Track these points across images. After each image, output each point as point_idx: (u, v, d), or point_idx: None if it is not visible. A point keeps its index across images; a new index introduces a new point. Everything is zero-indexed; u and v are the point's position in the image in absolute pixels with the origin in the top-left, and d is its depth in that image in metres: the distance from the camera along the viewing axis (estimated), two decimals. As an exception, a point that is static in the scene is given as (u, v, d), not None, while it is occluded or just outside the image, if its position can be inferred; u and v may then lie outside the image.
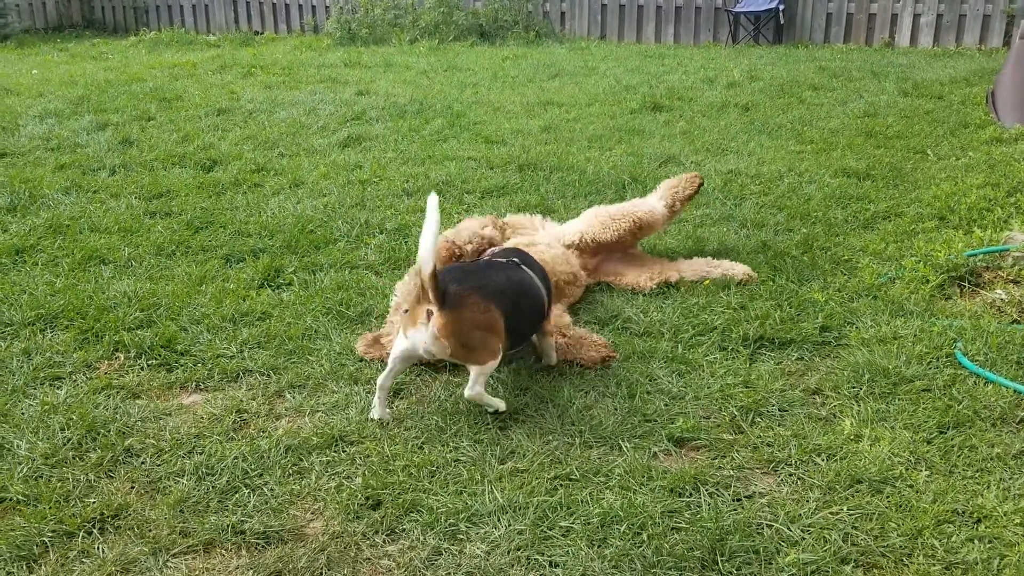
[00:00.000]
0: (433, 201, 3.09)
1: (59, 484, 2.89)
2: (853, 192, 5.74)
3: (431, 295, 3.07)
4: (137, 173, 6.47)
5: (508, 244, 4.22)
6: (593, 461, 2.98)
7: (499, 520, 2.69)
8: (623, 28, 14.26)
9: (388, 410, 3.29)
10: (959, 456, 2.97)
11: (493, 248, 4.09)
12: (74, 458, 3.04)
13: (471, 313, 3.12)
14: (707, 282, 4.31)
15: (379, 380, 3.25)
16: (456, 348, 3.12)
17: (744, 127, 7.68)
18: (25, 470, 2.94)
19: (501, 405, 3.25)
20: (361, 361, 3.71)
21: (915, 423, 3.16)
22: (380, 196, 5.86)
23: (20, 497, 2.81)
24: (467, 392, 3.18)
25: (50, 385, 3.52)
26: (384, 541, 2.64)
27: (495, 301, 3.19)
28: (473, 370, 3.18)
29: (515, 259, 3.62)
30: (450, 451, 3.05)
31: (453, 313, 3.09)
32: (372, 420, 3.23)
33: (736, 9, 13.27)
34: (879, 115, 7.98)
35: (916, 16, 12.57)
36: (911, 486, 2.83)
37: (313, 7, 16.05)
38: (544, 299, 3.52)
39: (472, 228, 4.29)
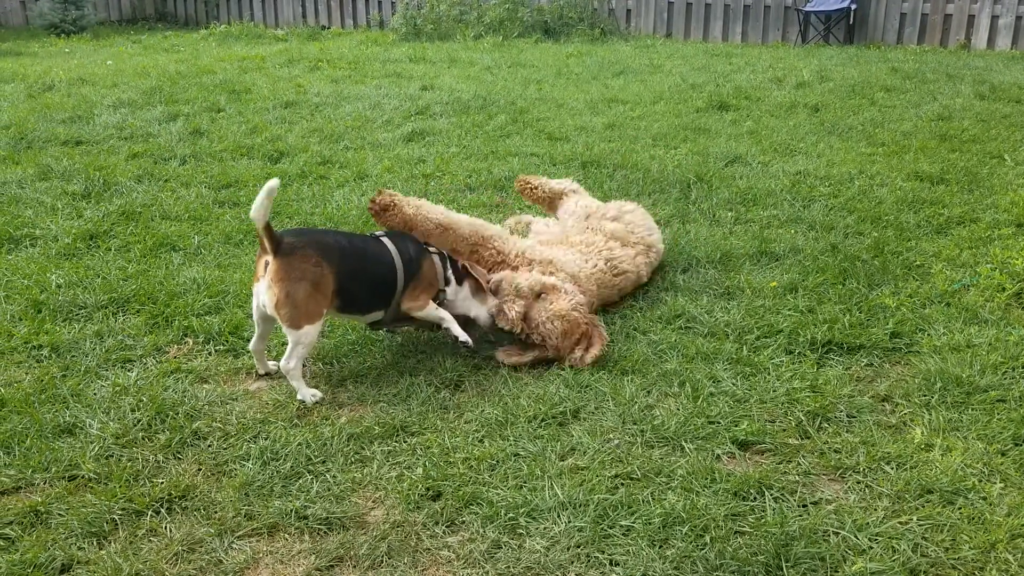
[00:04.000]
0: (272, 181, 3.23)
1: (129, 464, 2.95)
2: (926, 196, 5.59)
3: (267, 243, 3.23)
4: (207, 163, 6.60)
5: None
6: (655, 461, 2.95)
7: (559, 516, 2.68)
8: (689, 26, 14.11)
9: (271, 363, 3.55)
10: (1036, 470, 2.87)
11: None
12: (143, 439, 3.11)
13: (300, 262, 3.26)
14: (773, 284, 4.24)
15: (250, 345, 3.53)
16: (281, 297, 3.23)
17: (813, 128, 7.54)
18: (97, 449, 3.02)
19: (308, 397, 3.35)
20: (422, 353, 3.73)
21: (989, 434, 3.07)
22: (443, 190, 5.88)
23: (92, 475, 2.88)
24: (282, 363, 3.35)
25: (121, 367, 3.61)
26: (444, 532, 2.65)
27: (326, 257, 3.32)
28: (291, 337, 3.31)
29: (381, 233, 3.71)
30: (510, 445, 3.05)
31: (284, 260, 3.25)
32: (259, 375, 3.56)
33: (807, 8, 13.04)
34: (954, 118, 7.76)
35: (994, 17, 12.21)
36: (984, 498, 2.74)
37: (379, 3, 16.19)
38: (394, 273, 3.53)
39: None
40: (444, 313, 3.66)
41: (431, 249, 3.74)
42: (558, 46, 13.13)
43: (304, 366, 3.47)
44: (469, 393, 3.43)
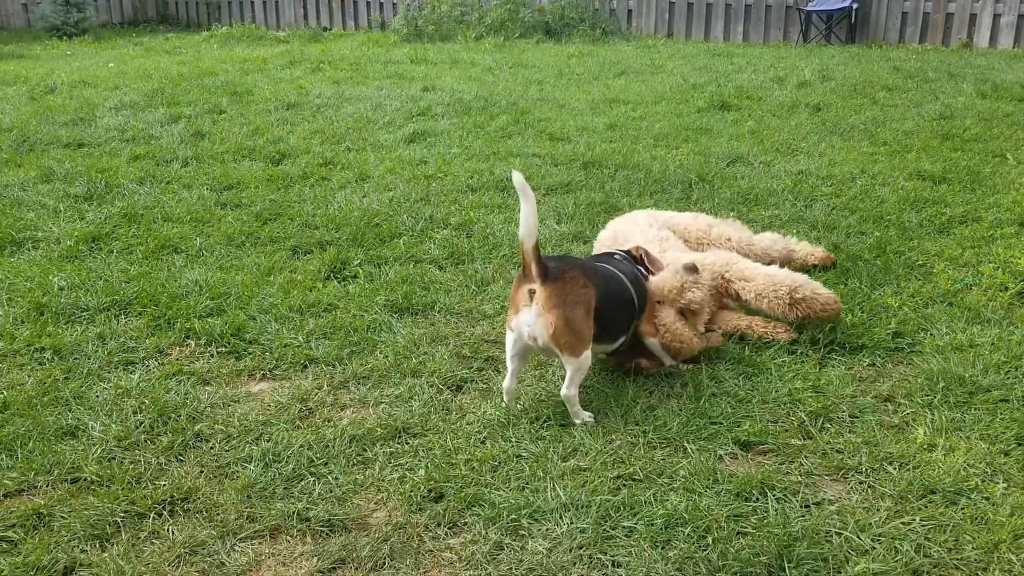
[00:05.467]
0: (519, 178, 3.03)
1: (131, 466, 2.95)
2: (928, 196, 5.58)
3: (534, 268, 3.06)
4: (208, 165, 6.60)
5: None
6: (657, 462, 2.94)
7: (561, 517, 2.67)
8: (690, 26, 14.11)
9: (520, 404, 3.32)
10: (1039, 469, 2.87)
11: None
12: (146, 441, 3.11)
13: (573, 286, 3.09)
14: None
15: (503, 384, 3.26)
16: (559, 325, 3.05)
17: (815, 127, 7.54)
18: (99, 451, 3.02)
19: (586, 418, 3.20)
20: (425, 354, 3.72)
21: (992, 434, 3.06)
22: (444, 191, 5.88)
23: (94, 477, 2.88)
24: (563, 391, 3.15)
25: (123, 369, 3.61)
26: (446, 534, 2.65)
27: (592, 279, 3.18)
28: (570, 366, 3.12)
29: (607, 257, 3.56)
30: (512, 446, 3.04)
31: (556, 285, 3.07)
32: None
33: (808, 8, 13.03)
34: (956, 117, 7.76)
35: (996, 16, 12.20)
36: (987, 498, 2.74)
37: (380, 4, 16.20)
38: (631, 294, 3.40)
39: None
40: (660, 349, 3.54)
41: (617, 255, 3.61)
42: (559, 47, 13.12)
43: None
44: (471, 394, 3.43)
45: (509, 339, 3.19)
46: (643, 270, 3.62)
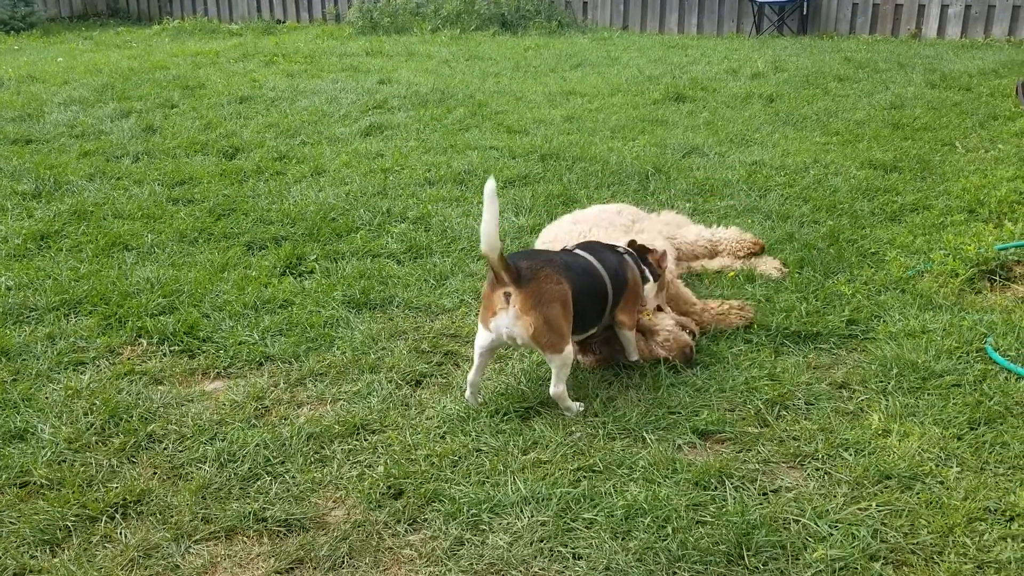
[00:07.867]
0: (491, 187, 2.97)
1: (82, 469, 2.89)
2: (880, 184, 5.66)
3: (505, 275, 3.06)
4: (160, 160, 6.49)
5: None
6: (616, 453, 2.95)
7: (522, 511, 2.67)
8: (645, 18, 14.15)
9: (480, 398, 3.31)
10: (991, 453, 2.91)
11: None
12: (97, 443, 3.04)
13: (548, 284, 3.08)
14: (732, 274, 4.27)
15: (468, 377, 3.25)
16: (538, 324, 3.05)
17: (768, 118, 7.60)
18: (49, 454, 2.95)
19: (579, 408, 3.22)
20: (383, 350, 3.69)
21: (945, 419, 3.11)
22: (402, 185, 5.84)
23: (44, 481, 2.82)
24: (551, 390, 3.17)
25: (74, 370, 3.53)
26: (406, 531, 2.63)
27: (565, 275, 3.16)
28: (554, 363, 3.13)
29: (577, 248, 3.53)
30: (472, 441, 3.03)
31: (531, 287, 3.07)
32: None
33: (761, -1, 13.14)
34: (906, 107, 7.87)
35: (944, 7, 12.39)
36: (941, 483, 2.78)
37: (335, -4, 16.03)
38: (605, 286, 3.36)
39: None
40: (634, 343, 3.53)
41: (619, 248, 3.58)
42: (516, 39, 13.09)
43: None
44: (430, 389, 3.41)
45: (482, 337, 3.18)
46: (648, 269, 3.57)
